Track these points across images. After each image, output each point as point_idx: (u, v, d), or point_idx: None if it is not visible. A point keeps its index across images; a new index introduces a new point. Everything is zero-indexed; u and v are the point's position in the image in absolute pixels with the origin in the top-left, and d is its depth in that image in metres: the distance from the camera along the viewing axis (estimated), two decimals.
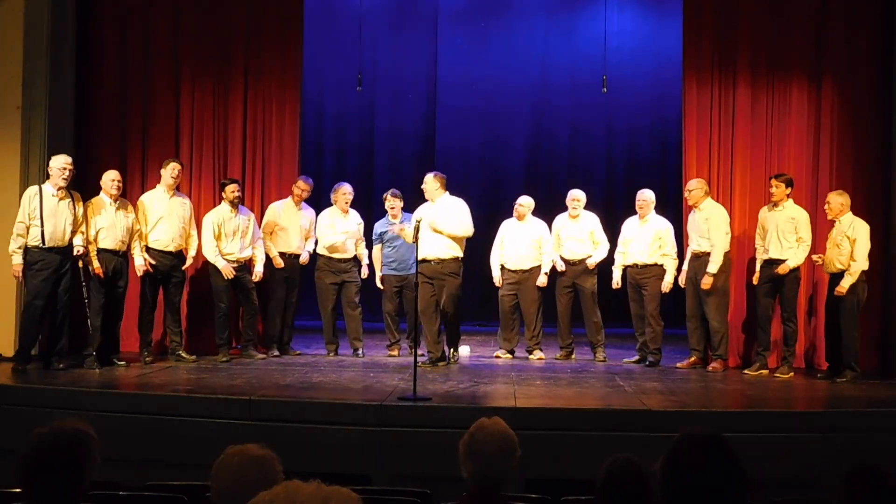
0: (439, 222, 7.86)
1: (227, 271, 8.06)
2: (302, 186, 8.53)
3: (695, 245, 8.11)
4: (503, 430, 3.10)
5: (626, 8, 11.38)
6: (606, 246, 8.60)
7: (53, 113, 8.24)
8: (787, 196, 7.83)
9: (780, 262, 7.76)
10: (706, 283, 7.90)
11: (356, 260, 8.67)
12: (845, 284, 7.39)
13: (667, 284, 8.29)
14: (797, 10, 8.45)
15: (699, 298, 8.08)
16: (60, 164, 7.33)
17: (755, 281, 7.98)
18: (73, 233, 7.40)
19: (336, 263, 8.54)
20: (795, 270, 7.79)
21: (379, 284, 8.74)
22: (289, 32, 8.83)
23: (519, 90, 11.70)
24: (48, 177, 7.44)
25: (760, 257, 7.95)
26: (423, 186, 8.14)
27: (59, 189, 7.30)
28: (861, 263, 7.42)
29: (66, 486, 2.52)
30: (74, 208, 7.41)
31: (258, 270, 8.26)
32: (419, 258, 7.65)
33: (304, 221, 8.59)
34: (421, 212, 8.07)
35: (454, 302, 8.00)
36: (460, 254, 8.00)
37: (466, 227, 8.02)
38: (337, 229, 8.55)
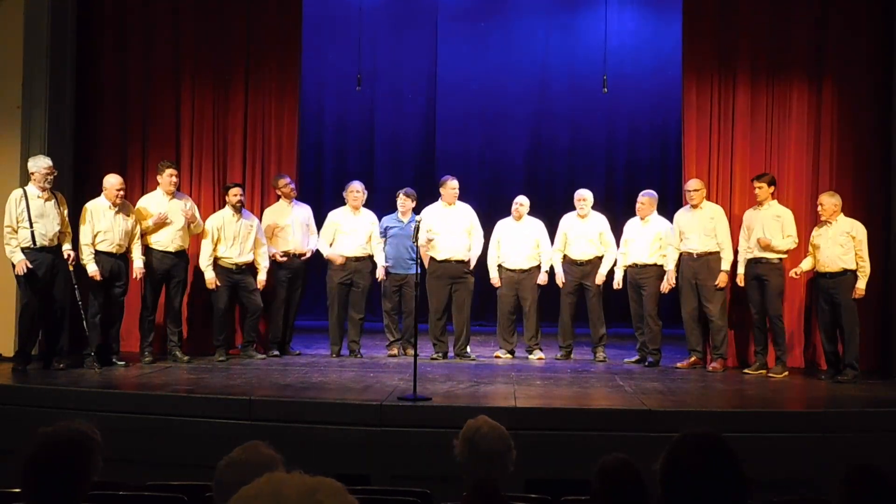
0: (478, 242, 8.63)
1: (211, 283, 8.08)
2: (281, 184, 8.49)
3: (695, 245, 8.09)
4: (497, 427, 3.11)
5: (626, 8, 11.36)
6: (615, 250, 8.53)
7: (53, 113, 8.23)
8: (772, 195, 7.87)
9: (764, 260, 7.80)
10: (723, 280, 7.95)
11: (370, 259, 8.63)
12: (862, 286, 7.48)
13: (665, 285, 8.28)
14: (797, 10, 8.45)
15: (698, 298, 8.08)
16: (45, 167, 7.29)
17: (740, 281, 7.99)
18: (63, 234, 7.40)
19: (346, 262, 8.53)
20: (780, 269, 7.82)
21: (381, 275, 8.66)
22: (288, 33, 8.83)
23: (519, 90, 11.68)
24: (29, 179, 7.41)
25: (744, 257, 7.97)
26: (452, 190, 8.55)
27: (44, 191, 7.30)
28: (867, 264, 7.51)
29: (67, 486, 2.52)
30: (60, 208, 7.41)
31: (261, 279, 8.27)
32: (439, 258, 8.33)
33: (301, 217, 8.57)
34: (438, 214, 8.47)
35: (471, 298, 8.56)
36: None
37: None
38: (343, 228, 8.55)
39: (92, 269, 7.44)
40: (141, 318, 8.05)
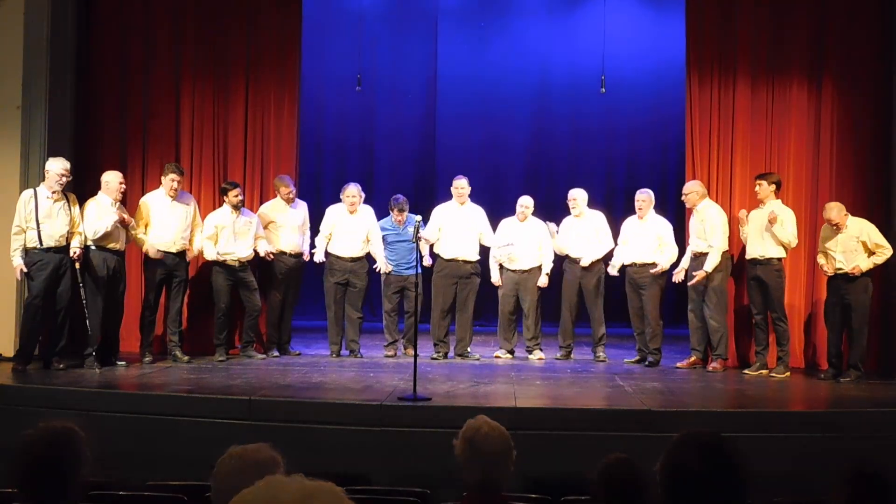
0: (488, 237, 8.66)
1: (218, 258, 8.03)
2: (283, 190, 8.47)
3: (693, 246, 8.13)
4: (497, 428, 3.10)
5: (626, 8, 11.36)
6: (610, 245, 8.59)
7: (53, 113, 8.23)
8: (775, 195, 7.88)
9: (762, 260, 7.79)
10: (699, 277, 7.93)
11: (367, 259, 8.62)
12: (878, 261, 7.51)
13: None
14: (797, 10, 8.46)
15: (699, 298, 8.09)
16: (59, 170, 7.32)
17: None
18: (71, 234, 7.41)
19: (343, 262, 8.53)
20: (780, 270, 7.83)
21: (384, 268, 8.63)
22: (288, 32, 8.83)
23: (519, 90, 11.68)
24: (44, 178, 7.45)
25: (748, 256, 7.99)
26: (461, 189, 8.61)
27: (53, 192, 7.30)
28: (888, 247, 7.53)
29: (57, 483, 2.54)
30: (70, 209, 7.42)
31: (267, 249, 8.23)
32: (446, 258, 8.47)
33: (297, 219, 8.56)
34: (449, 213, 8.55)
35: (475, 298, 8.60)
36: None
37: None
38: (340, 228, 8.55)
39: (75, 243, 7.35)
40: (142, 317, 8.05)
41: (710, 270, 7.92)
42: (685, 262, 8.30)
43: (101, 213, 7.54)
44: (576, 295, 8.62)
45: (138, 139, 8.71)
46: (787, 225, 7.82)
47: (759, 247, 7.84)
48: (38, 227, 7.24)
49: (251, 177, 8.78)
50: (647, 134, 11.69)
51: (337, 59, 11.15)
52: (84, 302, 7.41)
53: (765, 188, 7.87)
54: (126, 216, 7.68)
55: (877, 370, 7.91)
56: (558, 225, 8.71)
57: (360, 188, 8.69)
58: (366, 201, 8.84)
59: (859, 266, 7.46)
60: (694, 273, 8.07)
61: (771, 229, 7.75)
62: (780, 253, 7.85)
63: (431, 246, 8.66)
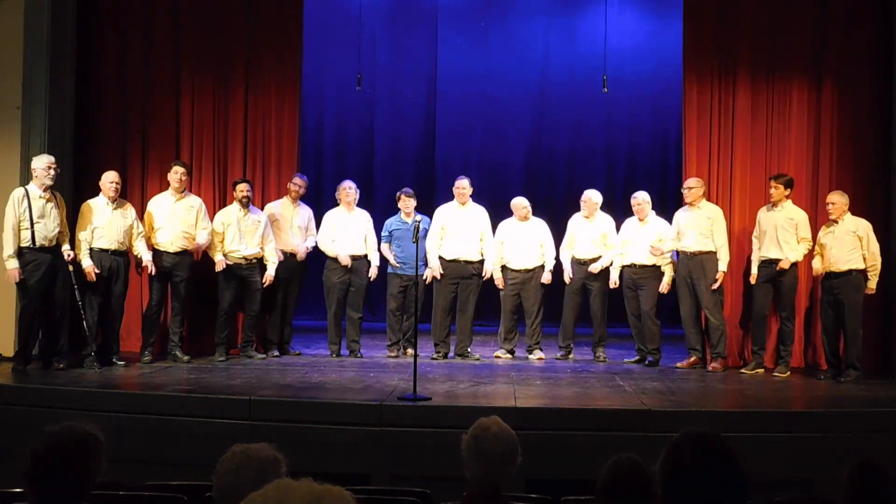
0: (488, 239, 8.61)
1: (220, 264, 8.08)
2: (298, 183, 8.55)
3: (692, 244, 8.08)
4: (506, 430, 3.10)
5: (626, 8, 11.36)
6: (617, 251, 8.56)
7: (53, 113, 8.23)
8: (787, 197, 7.86)
9: (778, 261, 7.78)
10: (720, 278, 7.94)
11: (367, 258, 8.63)
12: (872, 285, 7.53)
13: (665, 285, 8.29)
14: (797, 10, 8.46)
15: (695, 298, 8.08)
16: (45, 163, 7.31)
17: (752, 280, 7.99)
18: (61, 234, 7.41)
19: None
20: (794, 270, 7.82)
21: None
22: (288, 32, 8.83)
23: (519, 90, 11.68)
24: (31, 178, 7.42)
25: (758, 257, 7.96)
26: (462, 190, 8.57)
27: (45, 190, 7.30)
28: (878, 259, 7.54)
29: (71, 486, 2.53)
30: (59, 209, 7.42)
31: (270, 274, 8.25)
32: (448, 258, 8.46)
33: (301, 219, 8.59)
34: (450, 214, 8.56)
35: (476, 299, 8.56)
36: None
37: None
38: (339, 230, 8.55)
39: (87, 263, 7.46)
40: (144, 317, 8.06)
41: (725, 270, 7.96)
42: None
43: (96, 213, 7.57)
44: (579, 295, 8.61)
45: (138, 139, 8.71)
46: (801, 230, 7.80)
47: (776, 249, 7.82)
48: (33, 226, 7.22)
49: (251, 177, 8.76)
50: (648, 134, 11.69)
51: (337, 59, 11.15)
52: (80, 303, 7.40)
53: (780, 191, 7.85)
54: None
55: (877, 370, 7.91)
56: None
57: (355, 184, 8.72)
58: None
59: (854, 266, 7.47)
60: (692, 276, 8.05)
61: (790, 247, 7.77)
62: (798, 256, 7.84)
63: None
